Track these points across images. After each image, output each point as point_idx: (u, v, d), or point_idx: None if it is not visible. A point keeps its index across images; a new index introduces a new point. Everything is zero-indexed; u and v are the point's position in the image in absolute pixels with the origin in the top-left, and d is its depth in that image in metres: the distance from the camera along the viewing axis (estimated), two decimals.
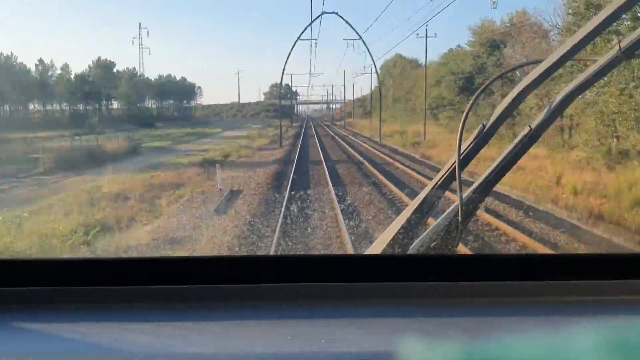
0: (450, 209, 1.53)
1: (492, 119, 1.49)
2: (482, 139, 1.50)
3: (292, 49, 43.07)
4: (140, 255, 6.95)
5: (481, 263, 1.22)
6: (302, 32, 53.68)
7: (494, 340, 0.98)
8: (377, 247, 1.55)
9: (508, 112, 1.48)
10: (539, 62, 1.45)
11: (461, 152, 1.49)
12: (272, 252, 8.34)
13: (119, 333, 1.00)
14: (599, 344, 0.96)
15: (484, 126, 1.49)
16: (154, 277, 1.13)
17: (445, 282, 1.13)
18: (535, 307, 1.10)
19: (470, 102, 1.61)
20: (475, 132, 1.50)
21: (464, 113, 1.57)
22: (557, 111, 1.47)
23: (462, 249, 7.46)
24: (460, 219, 1.47)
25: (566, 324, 1.03)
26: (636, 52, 1.34)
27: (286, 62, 47.30)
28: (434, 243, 1.50)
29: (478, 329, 1.02)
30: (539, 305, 1.10)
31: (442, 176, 1.54)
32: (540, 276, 1.15)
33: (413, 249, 1.50)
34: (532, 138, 1.49)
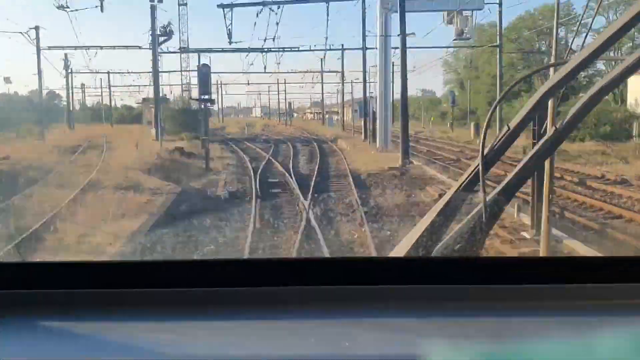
0: (474, 211, 1.52)
1: (516, 119, 1.47)
2: (507, 141, 1.49)
3: None
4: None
5: (505, 266, 1.21)
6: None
7: (516, 343, 0.97)
8: (400, 250, 1.55)
9: (533, 113, 1.46)
10: (564, 63, 1.43)
11: (485, 154, 1.48)
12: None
13: (123, 335, 1.00)
14: (622, 347, 0.95)
15: (508, 127, 1.47)
16: (167, 280, 1.12)
17: (469, 285, 1.12)
18: (558, 310, 1.08)
19: (494, 105, 1.60)
20: (500, 134, 1.49)
21: (487, 116, 1.57)
22: (582, 113, 1.45)
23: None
24: (484, 222, 1.46)
25: (588, 328, 1.02)
26: None
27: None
28: (458, 246, 1.49)
29: (501, 333, 1.01)
30: (561, 309, 1.09)
31: (466, 179, 1.53)
32: (563, 279, 1.13)
33: (437, 251, 1.49)
34: (557, 140, 1.47)
